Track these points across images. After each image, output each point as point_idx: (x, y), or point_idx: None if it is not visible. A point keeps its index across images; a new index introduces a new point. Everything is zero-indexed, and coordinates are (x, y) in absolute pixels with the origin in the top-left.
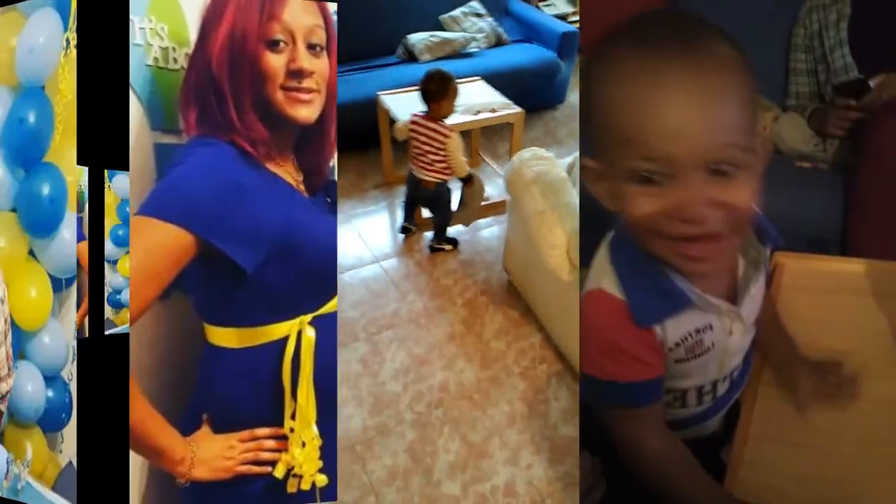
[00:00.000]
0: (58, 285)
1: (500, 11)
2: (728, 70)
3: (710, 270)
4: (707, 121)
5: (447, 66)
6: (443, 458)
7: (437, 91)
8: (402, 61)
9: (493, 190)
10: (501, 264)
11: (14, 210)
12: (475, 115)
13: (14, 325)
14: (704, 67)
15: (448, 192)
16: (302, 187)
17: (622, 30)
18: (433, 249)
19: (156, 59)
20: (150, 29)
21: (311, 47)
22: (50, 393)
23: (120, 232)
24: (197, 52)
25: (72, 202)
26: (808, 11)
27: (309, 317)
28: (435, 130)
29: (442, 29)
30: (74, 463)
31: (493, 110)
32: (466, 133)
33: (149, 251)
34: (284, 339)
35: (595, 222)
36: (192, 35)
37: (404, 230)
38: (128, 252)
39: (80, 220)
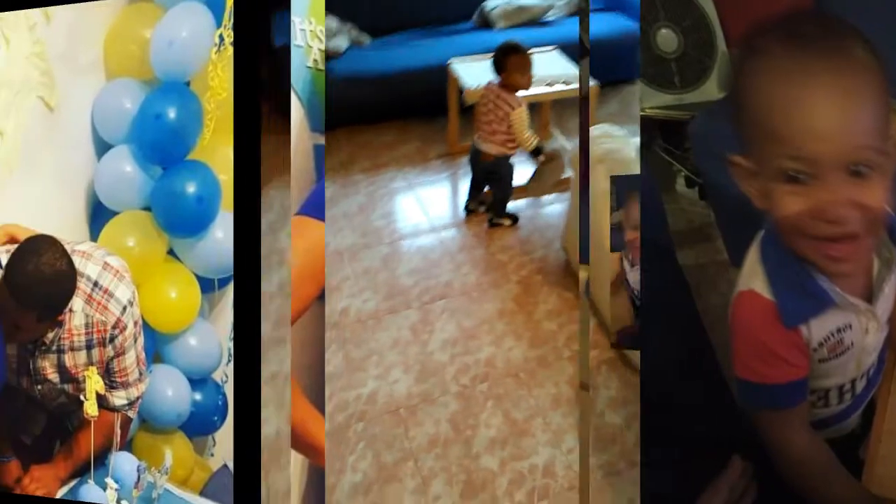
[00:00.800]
0: (207, 286)
1: None
2: (867, 73)
3: (850, 270)
4: (849, 122)
5: (524, 34)
6: (483, 432)
7: (507, 61)
8: (476, 27)
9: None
10: (560, 243)
11: (148, 209)
12: (546, 87)
13: (149, 328)
14: (847, 69)
15: (509, 168)
16: None
17: (775, 27)
18: (492, 224)
19: (315, 60)
20: (310, 31)
21: None
22: (198, 396)
23: None
24: None
25: (228, 201)
26: None
27: None
28: (502, 99)
29: None
30: (231, 465)
31: (566, 83)
32: (536, 105)
33: (308, 250)
34: None
35: (743, 221)
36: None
37: (468, 210)
38: None
39: None
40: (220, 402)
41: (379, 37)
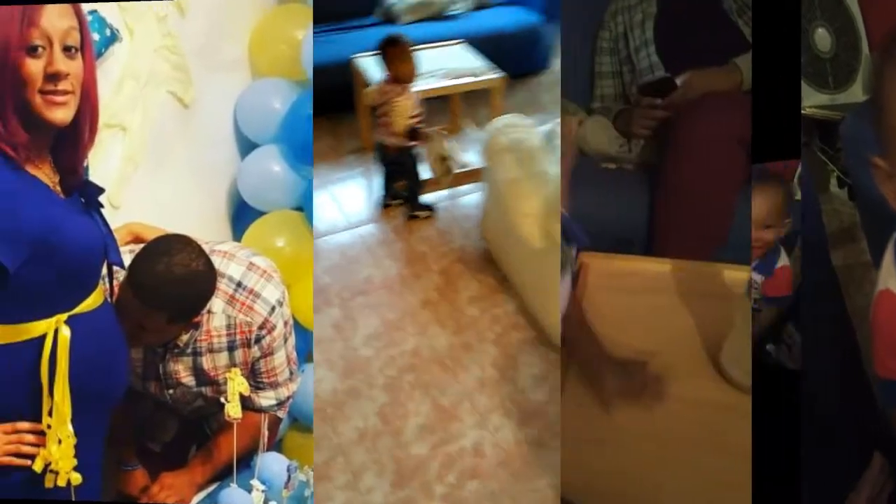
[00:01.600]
0: None
1: None
2: None
3: None
4: None
5: (428, 29)
6: (412, 420)
7: (387, 54)
8: (380, 22)
9: (474, 157)
10: (479, 232)
11: (298, 209)
12: (454, 79)
13: (300, 328)
14: None
15: (412, 157)
16: (58, 188)
17: None
18: (410, 217)
19: None
20: None
21: (66, 49)
22: None
23: None
24: None
25: None
26: (613, 14)
27: (65, 316)
28: (391, 92)
29: None
30: None
31: (475, 75)
32: (446, 98)
33: None
34: (43, 337)
35: (883, 223)
36: None
37: (384, 204)
38: None
39: None
40: None
41: None
